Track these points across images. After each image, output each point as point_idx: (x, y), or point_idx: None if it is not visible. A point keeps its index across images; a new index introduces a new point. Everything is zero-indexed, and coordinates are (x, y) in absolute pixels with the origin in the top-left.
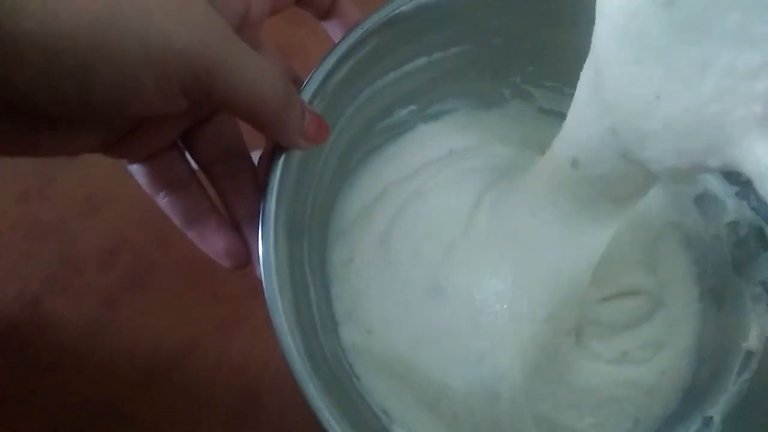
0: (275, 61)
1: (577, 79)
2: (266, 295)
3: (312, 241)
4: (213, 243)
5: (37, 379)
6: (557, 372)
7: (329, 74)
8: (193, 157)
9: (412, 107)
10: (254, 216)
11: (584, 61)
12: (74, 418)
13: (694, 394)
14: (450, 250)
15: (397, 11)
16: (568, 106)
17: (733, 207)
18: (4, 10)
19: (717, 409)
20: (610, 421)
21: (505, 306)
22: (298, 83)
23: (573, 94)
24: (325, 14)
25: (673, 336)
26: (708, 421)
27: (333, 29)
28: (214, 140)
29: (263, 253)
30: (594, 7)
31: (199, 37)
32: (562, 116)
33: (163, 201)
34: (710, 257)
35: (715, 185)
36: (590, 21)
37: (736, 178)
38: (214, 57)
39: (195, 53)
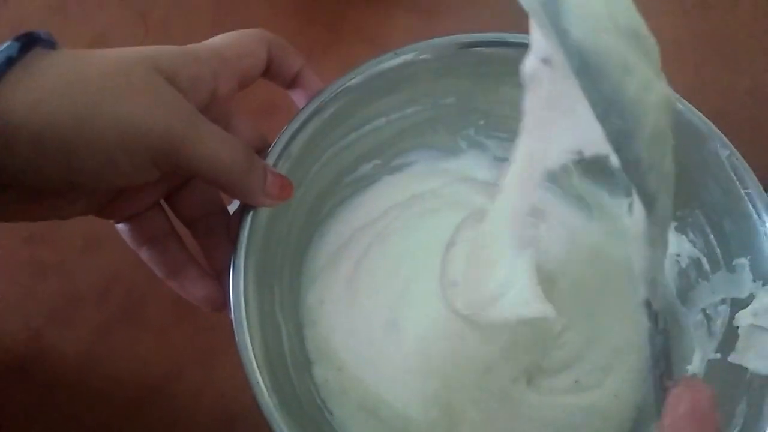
0: (245, 129)
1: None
2: (237, 338)
3: (284, 288)
4: (192, 292)
5: (36, 404)
6: (512, 409)
7: (293, 137)
8: (175, 215)
9: (376, 162)
10: (228, 266)
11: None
12: None
13: (644, 416)
14: (406, 287)
15: (352, 81)
16: None
17: (673, 240)
18: None
19: None
20: None
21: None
22: (267, 146)
23: None
24: (290, 84)
25: (619, 361)
26: None
27: (298, 97)
28: (192, 201)
29: (233, 301)
30: None
31: (165, 120)
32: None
33: (145, 255)
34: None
35: None
36: None
37: (676, 216)
38: (179, 135)
39: (162, 133)
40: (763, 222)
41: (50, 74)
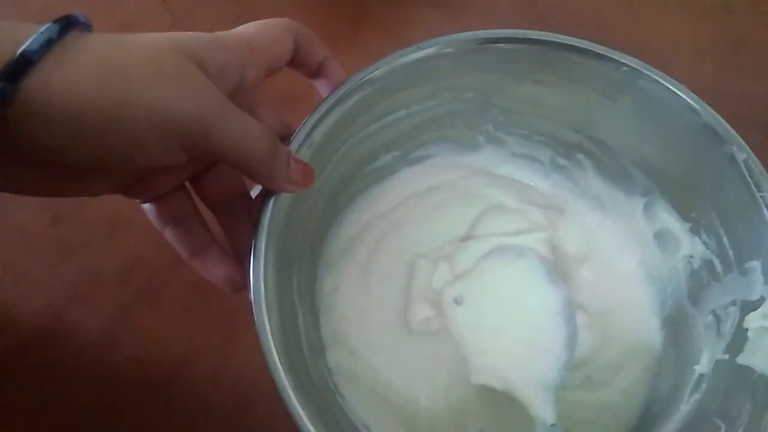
0: (269, 117)
1: (541, 128)
2: (255, 319)
3: (302, 272)
4: (213, 272)
5: (55, 382)
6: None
7: (315, 126)
8: (200, 197)
9: (396, 153)
10: (249, 248)
11: (546, 114)
12: (86, 418)
13: (651, 414)
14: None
15: (375, 72)
16: (538, 150)
17: (686, 241)
18: (37, 90)
19: (669, 428)
20: None
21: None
22: (291, 133)
23: (541, 140)
24: (314, 74)
25: (630, 360)
26: None
27: (321, 87)
28: (217, 184)
29: (253, 283)
30: (554, 65)
31: (196, 105)
32: (532, 159)
33: (169, 235)
34: (669, 289)
35: (671, 222)
36: (552, 79)
37: (687, 215)
38: (208, 122)
39: (192, 118)
40: None
41: (86, 57)
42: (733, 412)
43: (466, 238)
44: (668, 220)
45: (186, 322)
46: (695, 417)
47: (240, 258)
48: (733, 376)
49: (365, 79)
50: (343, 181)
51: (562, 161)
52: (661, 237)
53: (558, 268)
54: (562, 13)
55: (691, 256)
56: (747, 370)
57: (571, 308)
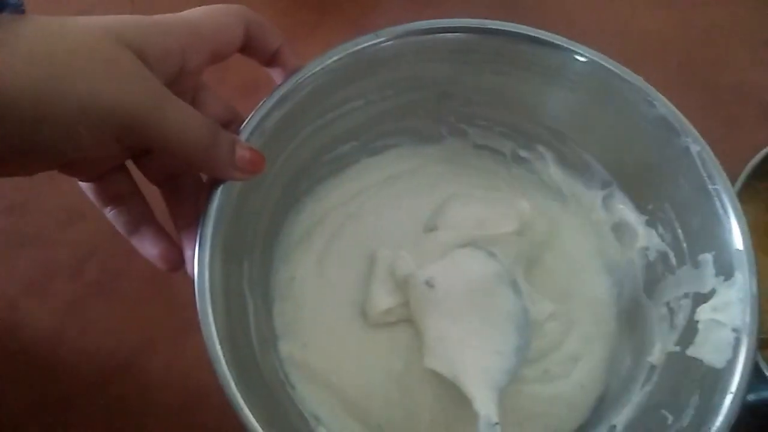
0: (214, 104)
1: (502, 119)
2: (198, 309)
3: (254, 262)
4: (149, 249)
5: (6, 374)
6: None
7: (268, 114)
8: (144, 175)
9: (355, 143)
10: (190, 226)
11: (506, 105)
12: (37, 411)
13: (604, 405)
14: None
15: (331, 61)
16: (499, 142)
17: (643, 234)
18: None
19: (621, 418)
20: None
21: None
22: (241, 120)
23: (502, 132)
24: (269, 62)
25: (588, 351)
26: (612, 429)
27: (276, 75)
28: (159, 163)
29: (197, 273)
30: (513, 56)
31: (128, 94)
32: (494, 151)
33: (109, 214)
34: (625, 280)
35: (629, 214)
36: (512, 69)
37: (644, 208)
38: (141, 110)
39: (124, 108)
40: (728, 218)
41: (16, 45)
42: (681, 403)
43: (429, 228)
44: (626, 212)
45: (140, 313)
46: (645, 408)
47: (181, 236)
48: (683, 368)
49: (320, 67)
50: (300, 170)
51: (523, 153)
52: (619, 229)
53: (525, 255)
54: (529, 3)
55: (647, 248)
56: (696, 362)
57: (526, 320)
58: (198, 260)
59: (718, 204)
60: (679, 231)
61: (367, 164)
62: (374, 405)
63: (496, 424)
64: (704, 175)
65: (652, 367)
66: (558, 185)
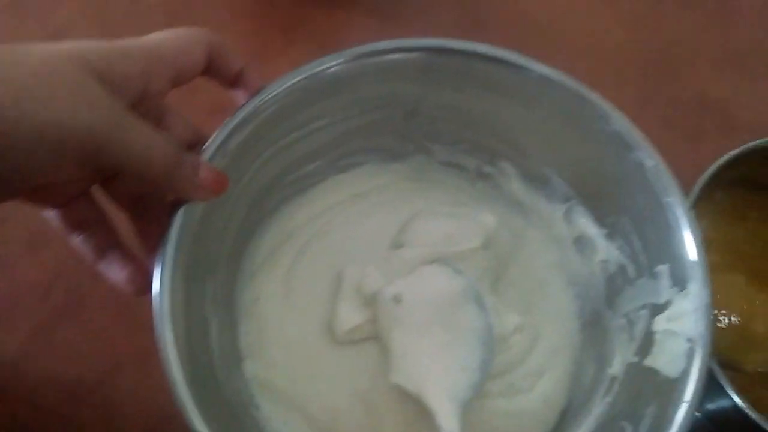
0: (179, 126)
1: (465, 136)
2: (156, 331)
3: (218, 282)
4: (117, 273)
5: None
6: None
7: (231, 135)
8: (111, 199)
9: (320, 162)
10: (158, 248)
11: (469, 122)
12: None
13: (567, 418)
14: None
15: (294, 81)
16: (463, 158)
17: (603, 247)
18: None
19: (582, 430)
20: None
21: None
22: (203, 141)
23: (466, 149)
24: (232, 84)
25: (553, 364)
26: None
27: (239, 97)
28: (125, 186)
29: (156, 293)
30: (473, 74)
31: (89, 118)
32: (459, 167)
33: (75, 241)
34: (588, 293)
35: (589, 228)
36: (471, 88)
37: (604, 221)
38: (103, 133)
39: (86, 132)
40: (682, 231)
41: None
42: (639, 413)
43: (396, 244)
44: (586, 225)
45: (106, 337)
46: (606, 420)
47: (149, 258)
48: (641, 379)
49: (282, 88)
50: (265, 189)
51: (487, 168)
52: (581, 242)
53: (491, 269)
54: (496, 22)
55: (607, 261)
56: (653, 372)
57: (491, 335)
58: (158, 281)
59: (671, 217)
60: (637, 244)
61: (334, 182)
62: (340, 424)
63: None
64: (658, 189)
65: (613, 379)
66: (521, 200)
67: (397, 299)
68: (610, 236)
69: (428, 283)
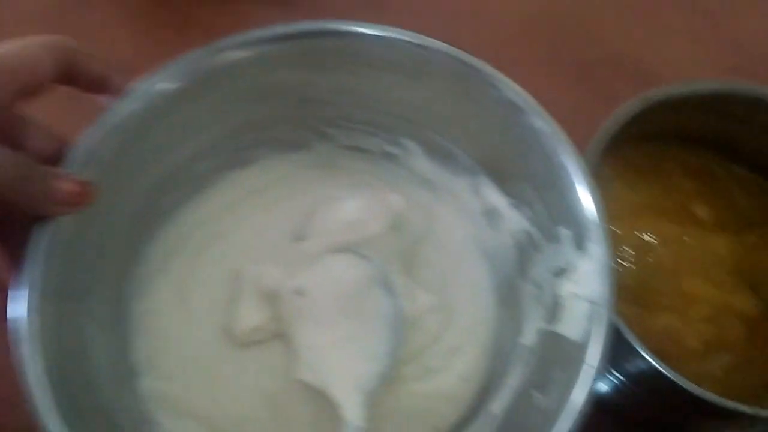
0: (38, 137)
1: (363, 117)
2: (15, 357)
3: (104, 298)
4: None
5: None
6: None
7: (100, 141)
8: None
9: (212, 161)
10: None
11: (364, 103)
12: None
13: (485, 394)
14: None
15: (166, 78)
16: (365, 140)
17: (509, 216)
18: None
19: (499, 405)
20: None
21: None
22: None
23: (367, 130)
24: (94, 89)
25: (468, 341)
26: (493, 418)
27: (103, 103)
28: None
29: (11, 319)
30: (358, 53)
31: None
32: (362, 150)
33: None
34: (501, 265)
35: (496, 198)
36: (362, 68)
37: (508, 190)
38: None
39: None
40: (578, 191)
41: None
42: (548, 381)
43: (298, 237)
44: (493, 196)
45: None
46: (519, 391)
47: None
48: (551, 346)
49: (155, 87)
50: (151, 194)
51: (390, 148)
52: (490, 214)
53: (402, 251)
54: (398, 3)
55: (515, 230)
56: (561, 338)
57: (400, 321)
58: (13, 306)
59: (568, 178)
60: (541, 209)
61: (231, 180)
62: (247, 429)
63: (362, 429)
64: (552, 151)
65: (526, 348)
66: (428, 177)
67: (299, 293)
68: (516, 205)
69: (332, 273)
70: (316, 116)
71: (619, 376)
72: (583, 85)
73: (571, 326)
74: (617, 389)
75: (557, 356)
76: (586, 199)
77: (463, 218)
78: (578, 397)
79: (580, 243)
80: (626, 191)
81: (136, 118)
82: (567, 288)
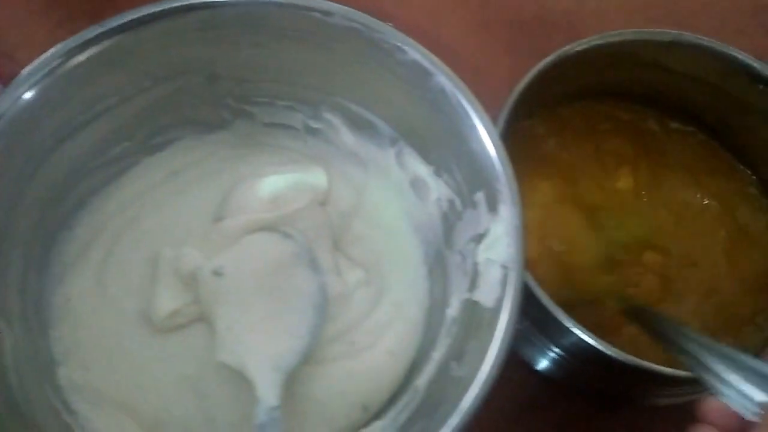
0: None
1: (281, 92)
2: None
3: (19, 291)
4: None
5: None
6: None
7: None
8: None
9: (126, 144)
10: None
11: (279, 78)
12: None
13: (414, 369)
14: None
15: (62, 59)
16: (287, 116)
17: (433, 185)
18: None
19: (423, 379)
20: (338, 416)
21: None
22: None
23: (286, 105)
24: None
25: (399, 316)
26: (416, 392)
27: None
28: None
29: None
30: (264, 24)
31: None
32: (285, 127)
33: None
34: (430, 237)
35: (419, 167)
36: (268, 40)
37: (429, 158)
38: None
39: None
40: (491, 153)
41: None
42: (464, 350)
43: (218, 217)
44: (417, 166)
45: None
46: (441, 363)
47: None
48: (470, 314)
49: (47, 69)
50: (62, 183)
51: (314, 123)
52: (416, 185)
53: (331, 227)
54: None
55: (439, 199)
56: (477, 305)
57: (324, 299)
58: None
59: (479, 141)
60: (458, 175)
61: (148, 163)
62: (170, 416)
63: (276, 407)
64: (461, 113)
65: (451, 319)
66: (355, 151)
67: (217, 273)
68: (438, 172)
69: (251, 252)
70: (230, 94)
71: (559, 351)
72: (514, 45)
73: (485, 293)
74: (560, 364)
75: (474, 325)
76: (495, 161)
77: (393, 192)
78: (489, 364)
79: (492, 206)
80: (559, 150)
81: (24, 104)
82: (483, 254)
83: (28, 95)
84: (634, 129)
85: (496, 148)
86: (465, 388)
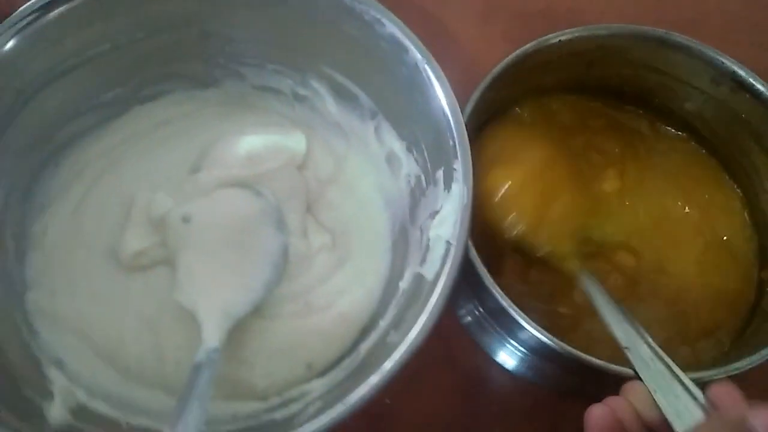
0: None
1: (271, 55)
2: None
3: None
4: None
5: None
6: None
7: None
8: None
9: (119, 90)
10: None
11: (271, 40)
12: None
13: (365, 335)
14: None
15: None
16: (276, 81)
17: (405, 160)
18: None
19: (366, 345)
20: (282, 369)
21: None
22: None
23: (276, 69)
24: None
25: (357, 283)
26: (357, 356)
27: None
28: None
29: None
30: None
31: None
32: (275, 91)
33: None
34: (398, 211)
35: (394, 142)
36: (264, 4)
37: (402, 133)
38: None
39: None
40: (451, 131)
41: None
42: (402, 320)
43: (195, 169)
44: (392, 141)
45: None
46: (383, 331)
47: None
48: (415, 287)
49: (38, 6)
50: (53, 121)
51: (301, 90)
52: (390, 159)
53: (305, 190)
54: None
55: (409, 175)
56: (422, 278)
57: (283, 258)
58: None
59: (441, 116)
60: (425, 152)
61: (138, 112)
62: (124, 348)
63: (216, 349)
64: (431, 91)
65: (401, 291)
66: (338, 121)
67: (186, 219)
68: (409, 149)
69: (222, 205)
70: (221, 53)
71: (521, 348)
72: (514, 37)
73: (430, 267)
74: (524, 362)
75: (415, 296)
76: (453, 140)
77: (371, 165)
78: (415, 332)
79: (448, 184)
80: (545, 141)
81: (21, 40)
82: (434, 230)
83: (25, 32)
84: (624, 129)
85: (456, 127)
86: (390, 352)
